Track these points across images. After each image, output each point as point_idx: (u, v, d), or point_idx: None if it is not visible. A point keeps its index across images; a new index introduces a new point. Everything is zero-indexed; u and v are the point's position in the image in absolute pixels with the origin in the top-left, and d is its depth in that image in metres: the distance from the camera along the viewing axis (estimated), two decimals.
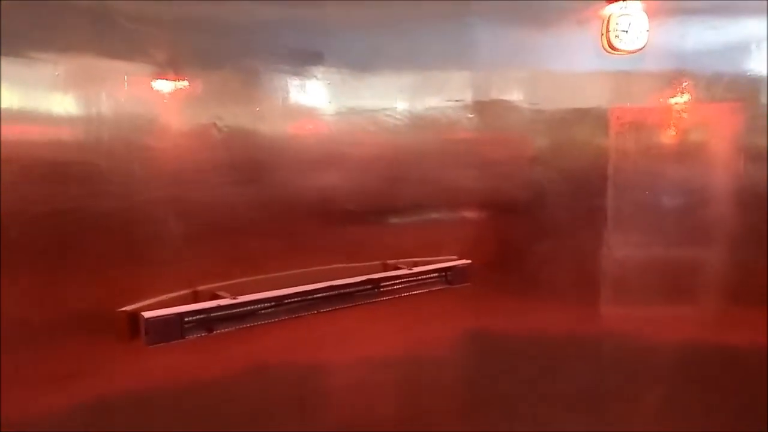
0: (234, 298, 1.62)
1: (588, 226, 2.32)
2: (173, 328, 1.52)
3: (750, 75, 2.24)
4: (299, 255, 1.85)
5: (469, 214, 2.21)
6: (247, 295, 1.65)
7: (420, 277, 2.03)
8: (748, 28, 2.28)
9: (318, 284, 1.79)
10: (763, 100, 2.26)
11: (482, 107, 2.13)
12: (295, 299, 1.74)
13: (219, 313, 1.59)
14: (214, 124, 1.65)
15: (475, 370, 2.27)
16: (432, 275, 2.06)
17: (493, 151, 2.19)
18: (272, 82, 1.77)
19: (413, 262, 2.05)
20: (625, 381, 2.39)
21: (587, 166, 2.28)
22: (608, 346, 2.37)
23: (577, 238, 2.32)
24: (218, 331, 1.60)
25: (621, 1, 2.12)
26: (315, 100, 1.85)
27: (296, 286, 1.76)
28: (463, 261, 2.13)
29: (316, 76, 1.83)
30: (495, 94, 2.17)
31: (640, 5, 2.13)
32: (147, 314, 1.50)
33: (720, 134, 2.34)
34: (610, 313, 2.36)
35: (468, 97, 2.11)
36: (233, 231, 1.71)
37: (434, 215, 2.16)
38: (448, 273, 2.09)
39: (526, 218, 2.27)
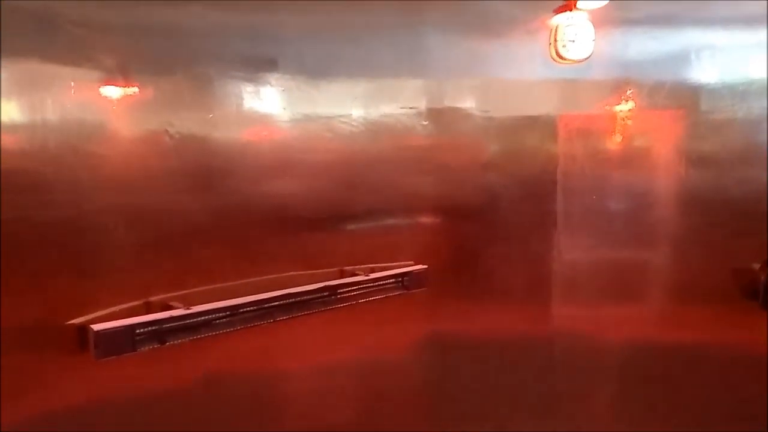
0: (187, 309, 1.60)
1: (539, 229, 2.37)
2: (124, 340, 1.48)
3: (690, 83, 2.33)
4: (254, 263, 1.84)
5: (425, 219, 2.23)
6: (200, 305, 1.63)
7: (377, 283, 2.04)
8: (688, 37, 2.37)
9: (274, 292, 1.78)
10: (703, 107, 2.35)
11: (436, 114, 2.17)
12: (251, 308, 1.72)
13: (171, 324, 1.56)
14: (166, 131, 1.62)
15: (432, 373, 2.29)
16: (389, 281, 2.07)
17: (447, 158, 2.22)
18: (225, 89, 1.75)
19: (370, 268, 2.06)
20: (577, 380, 2.45)
21: (537, 172, 2.34)
22: (560, 346, 2.43)
23: (529, 242, 2.37)
24: (171, 343, 1.57)
25: (568, 12, 2.18)
26: (269, 107, 1.84)
27: (251, 295, 1.74)
28: (420, 266, 2.16)
29: (270, 83, 1.83)
30: (448, 102, 2.20)
31: (586, 16, 2.19)
32: (96, 327, 1.46)
33: (663, 140, 2.43)
34: (562, 313, 2.42)
35: (422, 104, 2.14)
36: (186, 240, 1.68)
37: (390, 221, 2.17)
38: (405, 278, 2.11)
39: (480, 223, 2.31)
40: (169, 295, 1.64)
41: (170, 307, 1.61)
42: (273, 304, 1.77)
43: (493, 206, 2.30)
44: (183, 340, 1.59)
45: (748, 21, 2.30)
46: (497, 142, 2.30)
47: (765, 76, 2.28)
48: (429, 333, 2.26)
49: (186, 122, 1.66)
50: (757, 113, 2.30)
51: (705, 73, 2.33)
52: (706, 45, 2.32)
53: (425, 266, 2.16)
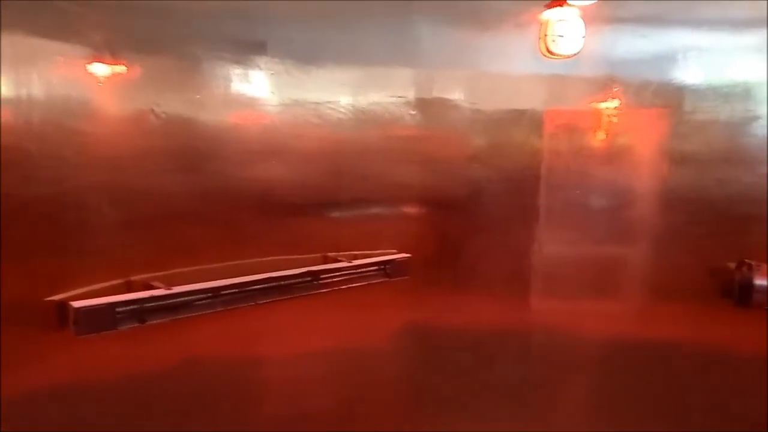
0: (168, 289, 1.60)
1: (521, 223, 2.40)
2: (104, 318, 1.48)
3: (676, 83, 2.36)
4: (238, 246, 1.84)
5: (409, 209, 2.25)
6: (181, 286, 1.63)
7: (360, 270, 2.05)
8: (675, 38, 2.39)
9: (256, 276, 1.79)
10: (687, 107, 2.38)
11: (424, 104, 2.17)
12: (232, 291, 1.73)
13: (152, 304, 1.57)
14: (152, 111, 1.62)
15: (412, 361, 2.31)
16: (372, 268, 2.09)
17: (434, 149, 2.24)
18: (213, 70, 1.75)
19: (353, 255, 2.07)
20: (554, 372, 2.49)
21: (522, 166, 2.36)
22: (538, 339, 2.46)
23: (511, 235, 2.40)
24: (151, 322, 1.57)
25: (559, 7, 2.19)
26: (257, 90, 1.84)
27: (234, 277, 1.74)
28: (403, 255, 2.17)
29: (258, 66, 1.82)
30: (436, 93, 2.21)
31: (576, 12, 2.20)
32: (76, 304, 1.46)
33: (646, 138, 2.45)
34: (541, 307, 2.45)
35: (410, 94, 2.15)
36: (169, 220, 1.68)
37: (375, 209, 2.18)
38: (388, 266, 2.13)
39: (464, 214, 2.33)
40: (151, 274, 1.64)
41: (151, 287, 1.61)
42: (255, 287, 1.78)
43: (477, 198, 2.32)
44: (163, 319, 1.59)
45: (734, 24, 2.32)
46: (484, 134, 2.31)
47: (748, 78, 2.32)
48: (410, 321, 2.28)
49: (173, 103, 1.66)
50: (739, 115, 2.33)
51: (690, 73, 2.36)
52: (693, 46, 2.34)
53: (408, 255, 2.17)
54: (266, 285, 1.80)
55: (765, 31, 2.29)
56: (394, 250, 2.17)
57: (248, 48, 1.81)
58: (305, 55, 1.92)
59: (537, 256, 2.41)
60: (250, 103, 1.84)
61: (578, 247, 2.46)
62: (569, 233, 2.44)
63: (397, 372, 2.32)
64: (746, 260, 2.32)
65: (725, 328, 2.43)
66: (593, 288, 2.48)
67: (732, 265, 2.35)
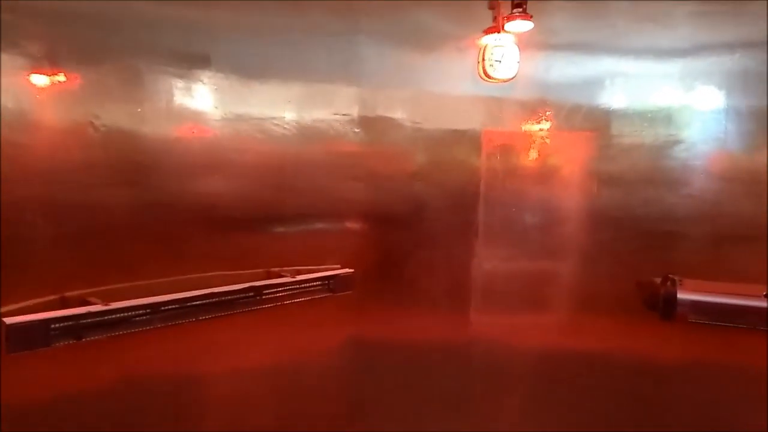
0: (106, 305, 1.56)
1: (461, 238, 2.46)
2: (38, 334, 1.44)
3: (603, 107, 2.48)
4: (179, 261, 1.82)
5: (353, 224, 2.27)
6: (119, 302, 1.59)
7: (303, 285, 2.06)
8: (604, 64, 2.52)
9: (196, 291, 1.77)
10: (614, 130, 2.51)
11: (368, 122, 2.22)
12: (173, 306, 1.70)
13: (89, 320, 1.53)
14: (91, 123, 1.59)
15: (355, 375, 2.32)
16: (315, 283, 2.10)
17: (377, 165, 2.28)
18: (156, 83, 1.73)
19: (297, 270, 2.08)
20: (492, 383, 2.54)
21: (462, 183, 2.43)
22: (477, 351, 2.52)
23: (452, 250, 2.46)
24: (88, 339, 1.53)
25: (496, 33, 2.29)
26: (201, 104, 1.84)
27: (175, 293, 1.72)
28: (346, 270, 2.19)
29: (202, 80, 1.82)
30: (380, 111, 2.26)
31: (512, 38, 2.31)
32: (8, 320, 1.41)
33: (576, 159, 2.57)
34: (479, 320, 2.51)
35: (354, 111, 2.19)
36: (108, 235, 1.64)
37: (318, 225, 2.20)
38: (331, 281, 2.14)
39: (406, 230, 2.38)
40: (88, 290, 1.60)
41: (88, 303, 1.57)
42: (196, 303, 1.76)
43: (419, 214, 2.37)
44: (100, 336, 1.55)
45: (658, 53, 2.46)
46: (426, 152, 2.38)
47: (671, 104, 2.46)
48: (353, 336, 2.29)
49: (113, 115, 1.64)
50: (662, 139, 2.47)
51: (617, 99, 2.48)
52: (620, 73, 2.47)
53: (351, 270, 2.20)
54: (208, 300, 1.78)
55: (685, 60, 2.44)
56: (338, 266, 2.19)
57: (192, 61, 1.80)
58: (250, 70, 1.93)
59: (476, 271, 2.48)
60: (193, 117, 1.83)
61: (514, 263, 2.54)
62: (506, 249, 2.52)
63: (340, 386, 2.33)
64: (670, 275, 2.43)
65: (651, 339, 2.53)
66: (528, 302, 2.56)
67: (657, 279, 2.46)
